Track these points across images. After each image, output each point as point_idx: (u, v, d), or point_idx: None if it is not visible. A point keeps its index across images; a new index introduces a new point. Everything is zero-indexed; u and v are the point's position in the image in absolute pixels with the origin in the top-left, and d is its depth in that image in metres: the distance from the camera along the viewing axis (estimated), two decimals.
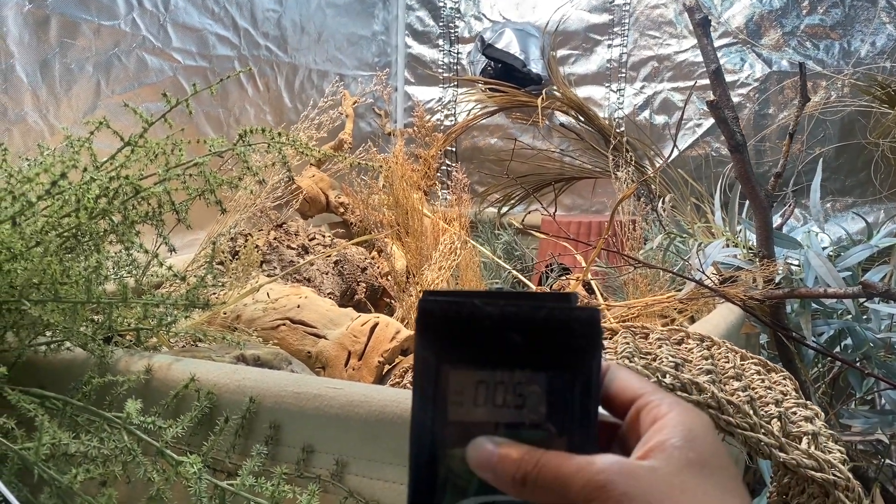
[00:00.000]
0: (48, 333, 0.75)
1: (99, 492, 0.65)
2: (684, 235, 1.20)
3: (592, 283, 1.44)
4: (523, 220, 1.77)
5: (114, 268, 0.86)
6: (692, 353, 0.82)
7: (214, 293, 0.95)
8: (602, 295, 1.46)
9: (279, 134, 0.86)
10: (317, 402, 0.66)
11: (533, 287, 1.51)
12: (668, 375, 0.69)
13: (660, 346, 0.80)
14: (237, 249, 1.19)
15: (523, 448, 0.34)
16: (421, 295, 0.37)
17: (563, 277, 1.51)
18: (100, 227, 0.81)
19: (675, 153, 1.91)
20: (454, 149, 2.15)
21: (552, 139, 2.06)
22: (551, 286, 1.69)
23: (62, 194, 0.75)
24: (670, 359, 0.74)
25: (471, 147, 2.16)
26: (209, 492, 0.63)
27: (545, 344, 0.36)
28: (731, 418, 0.67)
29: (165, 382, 0.72)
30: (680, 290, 1.26)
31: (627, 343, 0.78)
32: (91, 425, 0.68)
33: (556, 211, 1.43)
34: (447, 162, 2.13)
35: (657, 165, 1.84)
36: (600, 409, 0.37)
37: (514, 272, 1.56)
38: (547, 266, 1.84)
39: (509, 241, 1.92)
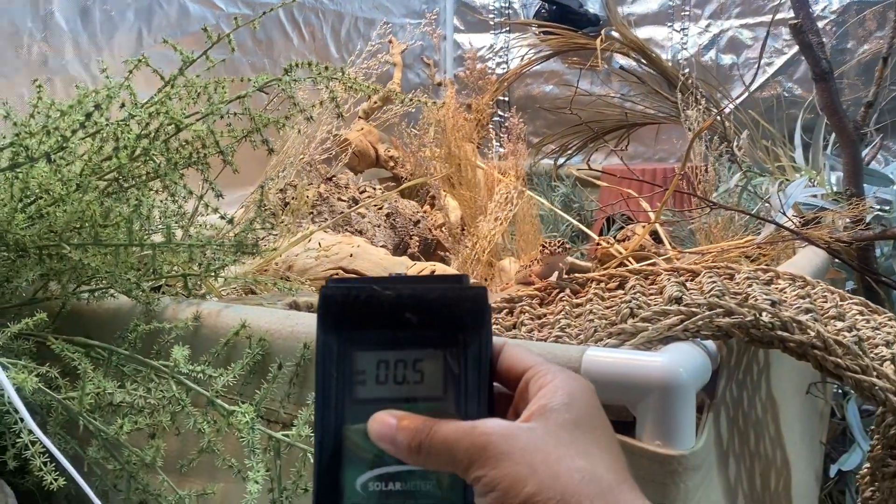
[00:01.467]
0: (92, 282, 0.71)
1: (147, 444, 0.61)
2: (764, 174, 1.11)
3: (660, 230, 1.36)
4: (588, 162, 1.68)
5: (160, 217, 0.82)
6: (784, 293, 0.74)
7: (264, 238, 0.91)
8: (670, 244, 1.37)
9: (325, 68, 0.79)
10: None
11: (596, 237, 1.43)
12: (765, 313, 0.61)
13: (749, 286, 0.72)
14: (287, 201, 1.15)
15: (419, 418, 0.37)
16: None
17: (627, 227, 1.42)
18: (142, 171, 0.77)
19: (745, 95, 1.79)
20: (507, 98, 2.07)
21: (611, 84, 1.96)
22: (615, 236, 1.61)
23: (100, 133, 0.71)
24: (765, 296, 0.66)
25: (524, 96, 2.07)
26: (263, 443, 0.59)
27: (438, 322, 0.38)
28: (839, 360, 0.59)
29: (215, 330, 0.67)
30: (758, 235, 1.17)
31: (714, 282, 0.70)
32: (138, 375, 0.64)
33: (626, 147, 1.33)
34: (499, 112, 2.05)
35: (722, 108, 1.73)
36: (497, 385, 0.40)
37: (575, 222, 1.48)
38: (608, 216, 1.75)
39: (567, 194, 1.84)
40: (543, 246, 0.79)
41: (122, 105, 0.72)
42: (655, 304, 0.67)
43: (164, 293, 0.77)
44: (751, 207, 1.27)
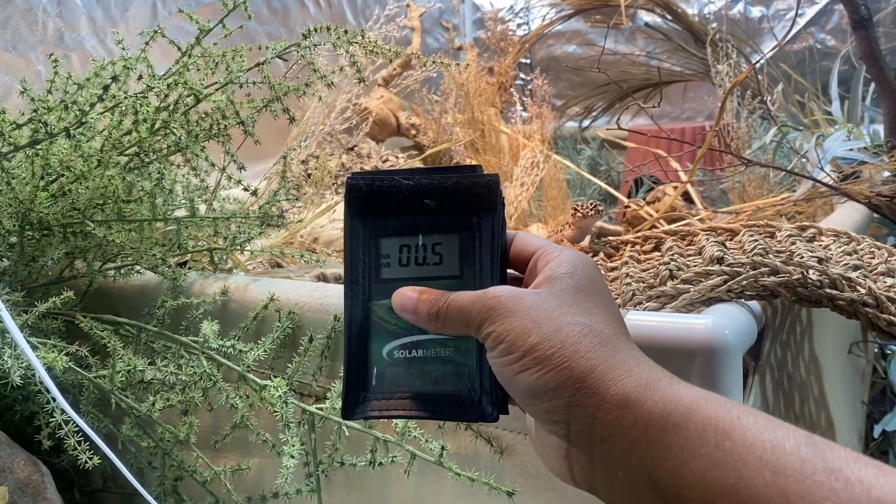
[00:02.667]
0: (118, 259, 0.70)
1: (180, 420, 0.60)
2: (800, 128, 1.07)
3: (691, 191, 1.32)
4: (617, 121, 1.64)
5: (183, 192, 0.81)
6: (829, 250, 0.71)
7: (289, 210, 0.89)
8: (702, 205, 1.34)
9: (345, 31, 0.77)
10: None
11: (625, 199, 1.40)
12: (812, 271, 0.59)
13: (793, 243, 0.69)
14: (309, 172, 1.13)
15: (438, 291, 0.41)
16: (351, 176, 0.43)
17: (657, 188, 1.39)
18: (163, 144, 0.75)
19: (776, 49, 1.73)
20: (529, 60, 2.02)
21: (636, 42, 1.90)
22: (644, 198, 1.58)
23: (119, 107, 0.69)
24: (811, 254, 0.63)
25: (547, 57, 2.02)
26: (297, 417, 0.58)
27: (454, 207, 0.42)
28: (893, 317, 0.56)
29: (243, 304, 0.66)
30: (794, 193, 1.13)
31: (756, 241, 0.68)
32: (167, 352, 0.63)
33: (659, 104, 1.29)
34: (521, 75, 2.01)
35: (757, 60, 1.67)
36: (510, 272, 0.43)
37: (603, 185, 1.45)
38: (636, 178, 1.72)
39: (593, 156, 1.81)
40: (575, 209, 0.76)
41: (140, 77, 0.70)
42: (695, 265, 0.65)
43: (190, 268, 0.76)
44: (786, 164, 1.23)
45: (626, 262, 0.70)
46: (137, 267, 0.68)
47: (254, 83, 0.73)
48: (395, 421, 0.57)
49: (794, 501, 0.28)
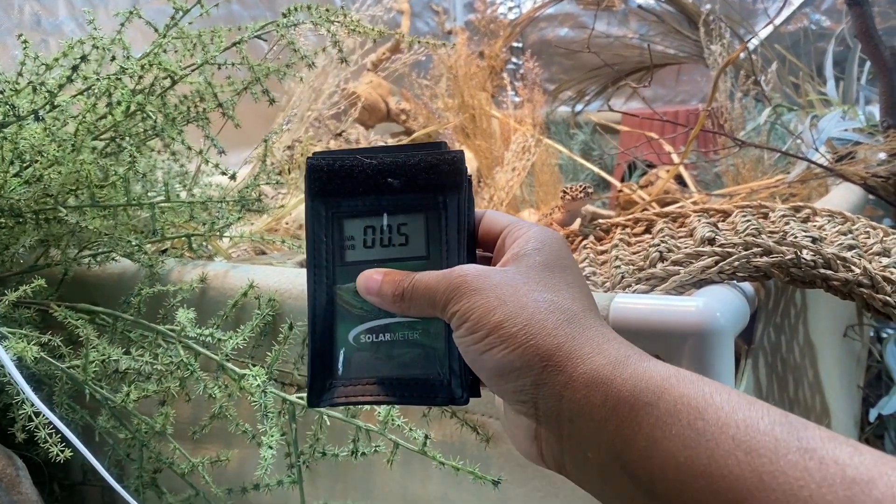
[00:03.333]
0: (93, 247, 0.68)
1: (157, 411, 0.58)
2: (795, 108, 1.05)
3: (684, 174, 1.31)
4: (609, 104, 1.62)
5: (163, 177, 0.79)
6: (824, 230, 0.69)
7: (273, 197, 0.87)
8: (695, 188, 1.32)
9: (326, 9, 0.75)
10: None
11: (618, 184, 1.38)
12: (806, 251, 0.57)
13: (787, 224, 0.68)
14: (295, 157, 1.11)
15: (403, 272, 0.40)
16: (312, 156, 0.41)
17: (650, 172, 1.37)
18: (139, 129, 0.73)
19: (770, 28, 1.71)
20: (521, 44, 2.00)
21: (629, 24, 1.88)
22: (638, 182, 1.56)
23: (92, 89, 0.67)
24: (805, 234, 0.62)
25: (539, 41, 2.00)
26: (277, 407, 0.56)
27: (419, 186, 0.40)
28: (888, 297, 0.55)
29: (222, 291, 0.64)
30: (788, 174, 1.11)
31: (749, 221, 0.66)
32: (144, 340, 0.61)
33: (649, 83, 1.27)
34: (513, 59, 1.98)
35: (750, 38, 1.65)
36: (480, 252, 0.43)
37: (596, 170, 1.43)
38: (630, 162, 1.70)
39: (586, 141, 1.79)
40: (564, 192, 0.74)
41: (113, 58, 0.68)
42: (686, 247, 0.63)
43: (169, 256, 0.74)
44: (780, 146, 1.21)
45: (616, 245, 0.68)
46: (113, 254, 0.66)
47: (233, 65, 0.71)
48: (377, 409, 0.55)
49: (768, 481, 0.27)
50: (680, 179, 1.35)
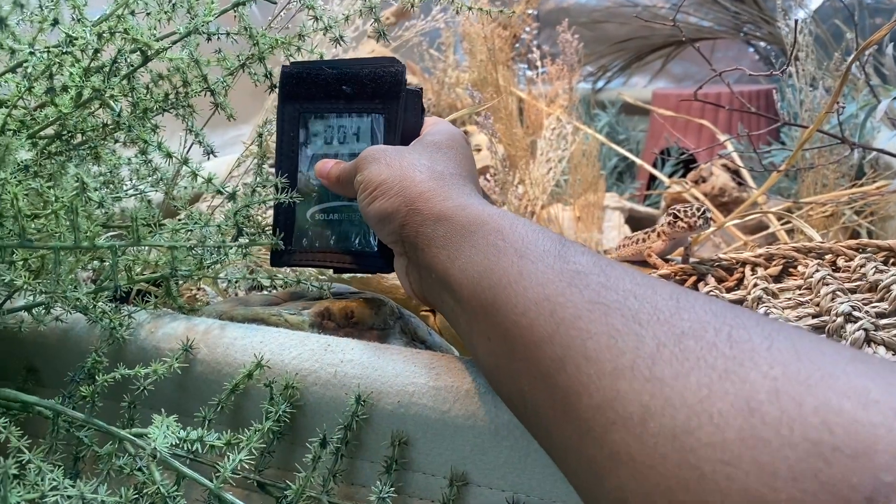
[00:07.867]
0: (28, 296, 0.48)
1: None
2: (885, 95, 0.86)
3: (745, 174, 1.12)
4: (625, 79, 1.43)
5: (131, 180, 0.59)
6: None
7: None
8: (753, 186, 1.14)
9: None
10: (472, 404, 0.38)
11: (665, 179, 1.19)
12: None
13: None
14: None
15: (346, 162, 0.50)
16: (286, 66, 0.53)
17: (702, 166, 1.18)
18: (95, 123, 0.53)
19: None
20: (535, 12, 1.78)
21: None
22: (678, 176, 1.38)
23: (24, 66, 0.46)
24: None
25: (555, 8, 1.79)
26: None
27: (367, 94, 0.51)
28: None
29: (215, 367, 0.45)
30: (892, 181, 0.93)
31: (827, 282, 0.47)
32: (104, 444, 0.41)
33: (671, 59, 1.07)
34: (525, 28, 1.77)
35: (793, 17, 1.46)
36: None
37: (637, 159, 1.24)
38: (661, 151, 1.51)
39: (611, 123, 1.59)
40: (675, 215, 0.55)
41: (56, 22, 0.47)
42: (868, 302, 0.45)
43: (143, 301, 0.54)
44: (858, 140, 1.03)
45: (761, 299, 0.50)
46: (54, 310, 0.46)
47: (227, 34, 0.51)
48: None
49: (524, 272, 0.32)
50: (738, 175, 1.17)
